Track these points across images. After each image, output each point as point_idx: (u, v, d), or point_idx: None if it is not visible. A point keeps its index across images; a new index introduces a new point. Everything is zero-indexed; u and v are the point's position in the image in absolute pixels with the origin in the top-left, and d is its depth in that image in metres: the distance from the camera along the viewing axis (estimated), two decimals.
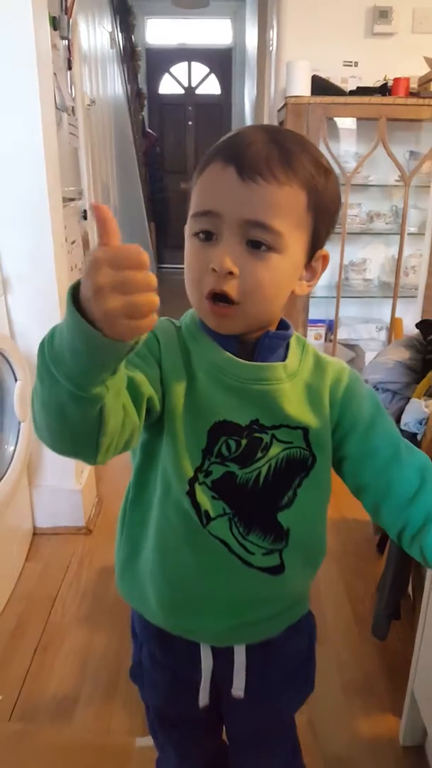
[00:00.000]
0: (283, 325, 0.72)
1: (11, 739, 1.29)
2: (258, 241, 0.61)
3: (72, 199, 2.54)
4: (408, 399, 1.27)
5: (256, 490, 0.70)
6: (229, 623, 0.75)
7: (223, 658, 0.80)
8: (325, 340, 2.91)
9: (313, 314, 2.76)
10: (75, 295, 0.47)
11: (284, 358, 0.71)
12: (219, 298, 0.63)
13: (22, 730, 1.31)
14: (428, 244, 2.70)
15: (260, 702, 0.84)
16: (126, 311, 0.45)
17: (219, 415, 0.68)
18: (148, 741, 1.25)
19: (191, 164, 6.45)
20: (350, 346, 2.94)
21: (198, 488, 0.69)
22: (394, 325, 1.60)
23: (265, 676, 0.82)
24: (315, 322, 2.86)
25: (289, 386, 0.69)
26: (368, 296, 2.96)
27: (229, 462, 0.69)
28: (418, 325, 1.49)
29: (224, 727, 0.96)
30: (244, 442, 0.68)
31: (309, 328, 2.80)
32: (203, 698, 0.81)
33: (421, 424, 1.17)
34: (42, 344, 0.52)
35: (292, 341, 0.72)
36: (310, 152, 0.64)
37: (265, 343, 0.69)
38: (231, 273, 0.61)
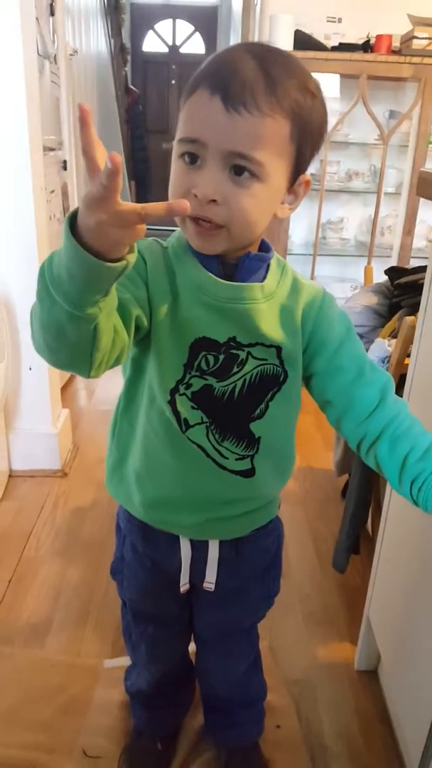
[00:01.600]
0: (264, 247, 0.76)
1: None
2: (241, 167, 0.64)
3: (52, 149, 2.52)
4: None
5: (232, 402, 0.76)
6: (205, 517, 0.83)
7: (198, 551, 0.87)
8: None
9: None
10: (72, 223, 0.51)
11: (264, 279, 0.74)
12: (202, 222, 0.66)
13: None
14: (404, 204, 2.74)
15: (229, 598, 0.91)
16: (115, 220, 0.50)
17: (199, 332, 0.72)
18: (115, 662, 1.33)
19: (174, 124, 6.35)
20: None
21: (178, 398, 0.74)
22: (366, 273, 1.65)
23: (235, 572, 0.90)
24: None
25: (266, 306, 0.73)
26: (345, 255, 3.00)
27: (208, 375, 0.74)
28: (386, 272, 1.53)
29: (193, 635, 1.03)
30: (221, 357, 0.73)
31: None
32: (183, 581, 0.89)
33: (383, 362, 1.23)
34: (42, 268, 0.57)
35: (273, 263, 0.76)
36: (297, 77, 0.65)
37: (246, 264, 0.73)
38: (213, 201, 0.64)
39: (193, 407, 0.75)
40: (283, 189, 0.70)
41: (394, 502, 1.18)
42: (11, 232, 1.80)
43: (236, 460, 0.79)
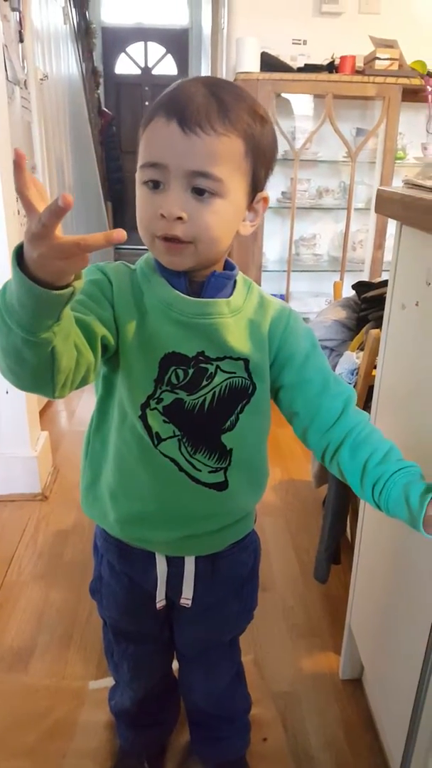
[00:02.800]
0: (228, 266, 0.79)
1: None
2: (201, 189, 0.67)
3: None
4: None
5: (202, 414, 0.78)
6: (180, 533, 0.84)
7: (174, 567, 0.88)
8: None
9: (265, 288, 2.78)
10: (19, 255, 0.54)
11: (230, 296, 0.77)
12: (170, 240, 0.69)
13: None
14: (374, 219, 2.80)
15: (207, 613, 0.92)
16: (55, 253, 0.52)
17: (168, 347, 0.75)
18: (100, 683, 1.33)
19: None
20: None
21: (150, 413, 0.77)
22: (335, 288, 1.69)
23: (212, 587, 0.91)
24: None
25: (232, 321, 0.76)
26: (318, 270, 3.05)
27: (178, 389, 0.76)
28: (354, 286, 1.57)
29: (175, 651, 1.04)
30: (191, 371, 0.76)
31: None
32: (160, 598, 0.90)
33: (353, 374, 1.25)
34: None
35: (239, 282, 0.79)
36: (246, 102, 0.70)
37: (212, 282, 0.76)
38: (180, 218, 0.67)
39: (164, 421, 0.77)
40: (243, 206, 0.73)
41: (369, 511, 1.20)
42: None
43: (209, 472, 0.81)
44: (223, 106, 0.67)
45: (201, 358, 0.76)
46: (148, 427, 0.77)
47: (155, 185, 0.69)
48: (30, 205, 0.51)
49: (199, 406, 0.78)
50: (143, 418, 0.77)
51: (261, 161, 0.72)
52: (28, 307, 0.55)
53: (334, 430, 0.78)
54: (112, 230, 0.51)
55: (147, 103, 6.64)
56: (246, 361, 0.78)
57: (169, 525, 0.84)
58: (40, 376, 0.62)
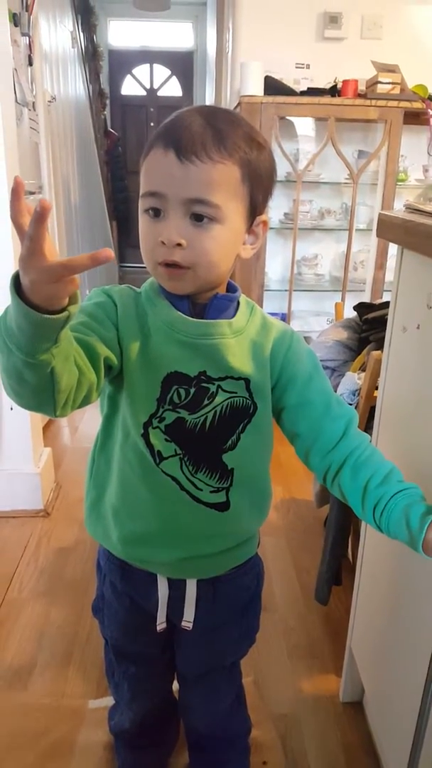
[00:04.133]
0: (231, 288, 0.81)
1: None
2: (200, 215, 0.69)
3: (32, 193, 2.58)
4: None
5: (203, 434, 0.79)
6: (182, 555, 0.84)
7: (176, 590, 0.88)
8: None
9: (267, 307, 2.85)
10: (17, 282, 0.56)
11: (233, 317, 0.79)
12: (171, 265, 0.71)
13: None
14: (375, 240, 2.82)
15: (208, 636, 0.92)
16: (45, 277, 0.54)
17: (171, 367, 0.76)
18: (100, 703, 1.32)
19: None
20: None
21: (152, 432, 0.78)
22: (336, 308, 1.70)
23: (213, 611, 0.91)
24: (269, 314, 2.95)
25: (234, 341, 0.78)
26: (320, 290, 3.07)
27: (180, 409, 0.77)
28: (355, 308, 1.59)
29: (176, 673, 1.04)
30: (192, 390, 0.77)
31: None
32: (161, 620, 0.90)
33: (354, 395, 1.26)
34: None
35: (242, 304, 0.81)
36: (243, 129, 0.72)
37: (214, 303, 0.77)
38: (179, 245, 0.69)
39: (166, 440, 0.78)
40: (242, 230, 0.75)
41: (370, 533, 1.20)
42: None
43: (211, 492, 0.82)
44: (219, 134, 0.69)
45: (203, 377, 0.77)
46: (150, 446, 0.78)
47: (156, 213, 0.71)
48: (24, 232, 0.53)
49: (200, 424, 0.78)
50: (145, 436, 0.78)
51: (258, 186, 0.74)
52: (26, 331, 0.57)
53: (336, 451, 0.79)
54: (97, 251, 0.53)
55: (152, 124, 6.73)
56: (247, 381, 0.79)
57: (171, 545, 0.84)
58: (41, 395, 0.64)
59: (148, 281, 0.80)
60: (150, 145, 0.71)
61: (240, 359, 0.78)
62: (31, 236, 0.51)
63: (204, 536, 0.84)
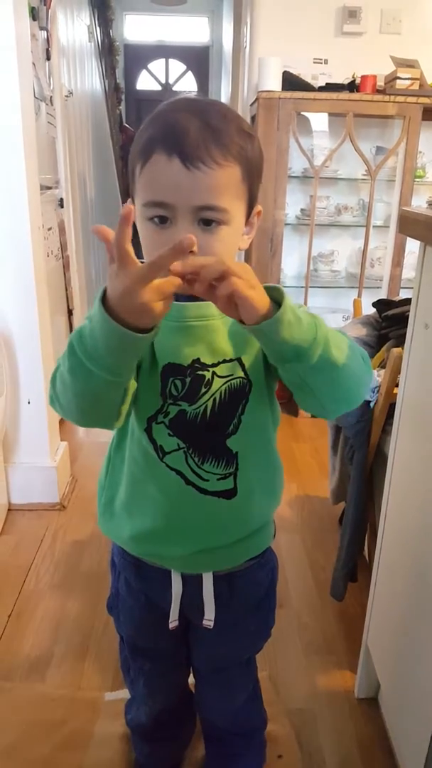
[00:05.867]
0: None
1: None
2: (209, 219, 0.69)
3: (49, 188, 2.59)
4: None
5: (205, 423, 0.78)
6: (194, 548, 0.84)
7: (191, 587, 0.88)
8: None
9: None
10: (104, 304, 0.57)
11: None
12: None
13: None
14: (392, 237, 2.81)
15: (223, 632, 0.92)
16: (136, 281, 0.56)
17: (166, 359, 0.76)
18: (116, 695, 1.33)
19: None
20: None
21: (155, 427, 0.78)
22: (354, 305, 1.70)
23: (230, 606, 0.90)
24: None
25: (221, 323, 0.77)
26: (336, 287, 3.06)
27: (180, 401, 0.77)
28: (374, 304, 1.58)
29: (191, 668, 1.04)
30: (188, 380, 0.77)
31: None
32: (173, 618, 0.89)
33: (374, 391, 1.26)
34: (71, 345, 0.63)
35: None
36: (234, 122, 0.71)
37: None
38: (191, 252, 0.69)
39: (169, 434, 0.79)
40: (242, 225, 0.75)
41: (389, 529, 1.20)
42: (10, 269, 1.85)
43: (218, 480, 0.81)
44: (218, 134, 0.68)
45: (196, 365, 0.76)
46: (152, 440, 0.79)
47: (162, 220, 0.69)
48: (127, 258, 0.55)
49: (201, 414, 0.78)
50: (148, 431, 0.78)
51: (255, 179, 0.74)
52: (118, 352, 0.60)
53: None
54: (174, 243, 0.54)
55: None
56: (240, 360, 0.78)
57: (181, 540, 0.84)
58: (111, 411, 0.67)
59: None
60: (147, 151, 0.68)
61: (231, 339, 0.77)
62: (118, 241, 0.53)
63: (214, 528, 0.84)
